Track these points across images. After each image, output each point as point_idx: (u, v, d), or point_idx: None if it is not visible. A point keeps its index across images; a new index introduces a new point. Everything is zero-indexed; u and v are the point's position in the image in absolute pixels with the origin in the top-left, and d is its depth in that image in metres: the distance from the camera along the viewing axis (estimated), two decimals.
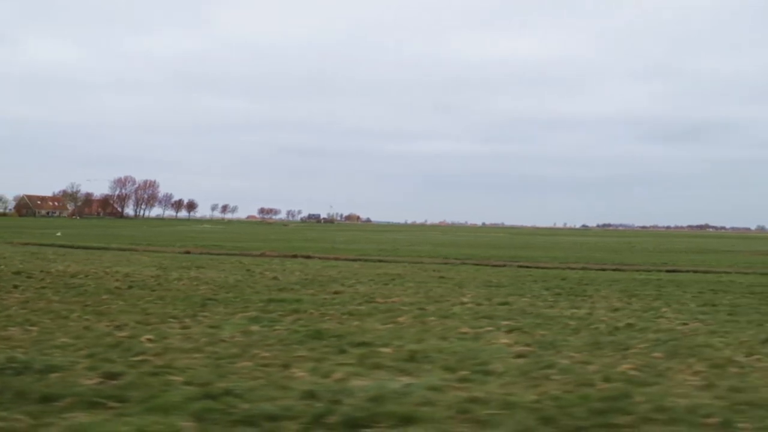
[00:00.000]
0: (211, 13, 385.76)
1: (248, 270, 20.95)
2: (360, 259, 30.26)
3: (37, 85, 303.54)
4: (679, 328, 10.02)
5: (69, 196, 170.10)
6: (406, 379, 6.23)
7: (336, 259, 30.71)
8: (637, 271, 26.12)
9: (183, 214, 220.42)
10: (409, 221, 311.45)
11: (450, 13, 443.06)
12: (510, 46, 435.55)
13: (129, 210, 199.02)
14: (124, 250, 34.42)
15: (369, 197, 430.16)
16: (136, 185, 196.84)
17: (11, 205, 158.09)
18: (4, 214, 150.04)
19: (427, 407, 5.29)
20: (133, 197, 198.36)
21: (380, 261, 29.50)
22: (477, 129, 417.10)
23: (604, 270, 26.03)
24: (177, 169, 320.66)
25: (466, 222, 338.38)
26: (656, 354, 7.65)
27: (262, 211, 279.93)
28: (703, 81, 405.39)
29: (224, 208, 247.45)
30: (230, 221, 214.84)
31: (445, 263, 29.31)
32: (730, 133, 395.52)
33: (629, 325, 10.17)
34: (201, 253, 34.07)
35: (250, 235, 69.44)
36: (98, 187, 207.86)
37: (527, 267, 26.80)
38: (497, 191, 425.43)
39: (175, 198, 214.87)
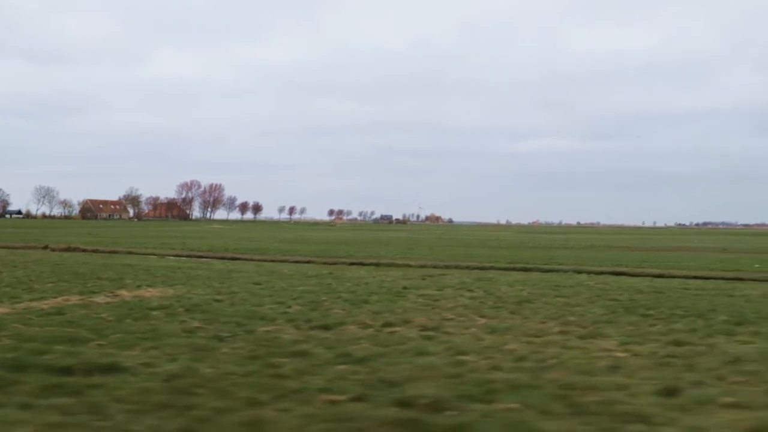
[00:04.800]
0: (319, 20, 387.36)
1: None
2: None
3: (157, 97, 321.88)
4: None
5: (130, 199, 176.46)
6: None
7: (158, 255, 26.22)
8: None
9: (249, 215, 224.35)
10: (502, 221, 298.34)
11: (559, 7, 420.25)
12: (620, 38, 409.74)
13: (197, 213, 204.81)
14: None
15: (462, 197, 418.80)
16: (201, 189, 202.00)
17: (76, 209, 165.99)
18: (68, 217, 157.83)
19: None
20: (199, 200, 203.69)
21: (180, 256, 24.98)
22: (581, 125, 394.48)
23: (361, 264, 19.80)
24: (272, 172, 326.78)
25: (561, 222, 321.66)
26: None
27: (331, 212, 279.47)
28: None
29: (291, 210, 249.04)
30: (295, 222, 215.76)
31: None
32: None
33: None
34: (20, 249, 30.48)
35: (221, 235, 66.56)
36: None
37: (272, 261, 20.74)
38: (597, 189, 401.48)
39: (240, 201, 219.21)
